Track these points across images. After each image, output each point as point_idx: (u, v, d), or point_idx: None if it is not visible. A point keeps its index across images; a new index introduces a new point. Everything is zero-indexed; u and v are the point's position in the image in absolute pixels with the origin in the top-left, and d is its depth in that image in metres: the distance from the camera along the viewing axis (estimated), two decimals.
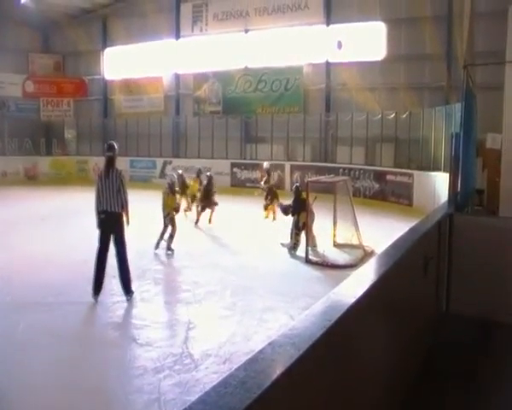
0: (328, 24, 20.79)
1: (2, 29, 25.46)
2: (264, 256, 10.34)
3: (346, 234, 10.73)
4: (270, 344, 1.74)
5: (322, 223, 10.75)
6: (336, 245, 10.94)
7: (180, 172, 15.03)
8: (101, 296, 7.61)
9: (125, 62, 26.39)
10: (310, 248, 10.03)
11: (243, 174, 21.15)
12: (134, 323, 6.66)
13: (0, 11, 24.60)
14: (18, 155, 25.13)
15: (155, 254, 10.38)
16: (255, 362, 1.63)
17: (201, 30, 23.61)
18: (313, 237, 10.50)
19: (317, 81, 21.28)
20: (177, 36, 24.29)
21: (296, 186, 11.19)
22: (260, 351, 1.68)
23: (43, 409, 4.64)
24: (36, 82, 27.35)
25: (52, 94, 27.56)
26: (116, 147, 7.79)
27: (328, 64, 20.99)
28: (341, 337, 2.07)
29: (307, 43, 21.32)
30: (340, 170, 17.83)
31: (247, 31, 22.55)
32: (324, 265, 9.58)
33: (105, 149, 7.94)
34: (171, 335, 6.23)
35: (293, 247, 10.44)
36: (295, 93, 21.62)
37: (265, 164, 16.27)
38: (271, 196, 13.89)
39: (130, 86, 26.32)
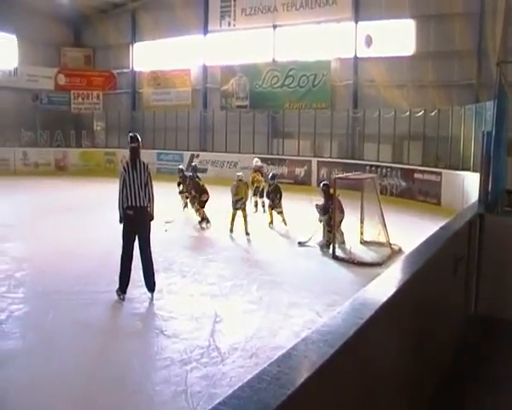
0: (356, 21, 20.63)
1: (36, 24, 26.10)
2: (291, 252, 10.37)
3: (372, 232, 10.66)
4: (303, 340, 1.75)
5: (348, 220, 10.71)
6: (363, 243, 10.89)
7: (181, 166, 14.98)
8: (129, 287, 7.72)
9: (154, 56, 26.64)
10: (337, 245, 10.01)
11: (270, 169, 21.12)
12: (161, 314, 6.74)
13: (34, 6, 25.18)
14: (49, 147, 25.65)
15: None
16: (288, 358, 1.63)
17: (229, 25, 23.68)
18: (342, 234, 10.48)
19: (345, 77, 21.17)
20: (205, 30, 24.42)
21: (325, 184, 11.08)
22: (293, 347, 1.67)
23: (70, 398, 4.72)
24: (67, 75, 27.81)
25: (82, 87, 27.99)
26: (139, 138, 7.52)
27: (355, 60, 20.87)
28: (372, 336, 2.08)
29: (335, 39, 21.22)
30: (367, 167, 17.73)
31: (275, 26, 22.55)
32: (351, 262, 9.55)
33: (128, 141, 7.54)
34: (197, 327, 6.27)
35: (326, 244, 10.35)
36: (322, 89, 21.55)
37: (255, 160, 15.91)
38: (279, 195, 12.74)
39: (158, 80, 26.56)
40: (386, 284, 2.60)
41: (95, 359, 5.52)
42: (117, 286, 7.39)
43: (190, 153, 23.68)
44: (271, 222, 12.84)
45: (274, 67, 22.73)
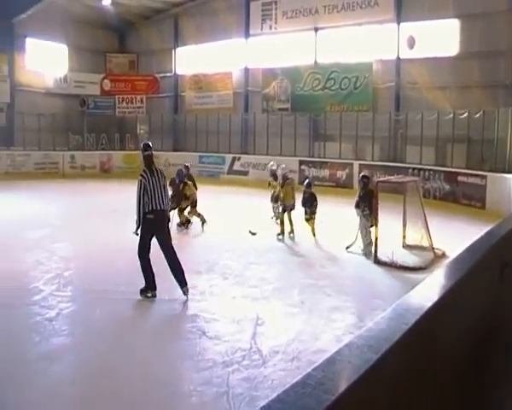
0: (398, 22, 20.38)
1: (84, 33, 27.53)
2: (333, 255, 10.33)
3: (415, 236, 10.51)
4: (346, 345, 1.74)
5: (391, 224, 10.58)
6: (405, 246, 10.75)
7: (188, 164, 14.34)
8: (171, 288, 7.88)
9: (196, 60, 26.99)
10: (364, 249, 9.94)
11: (311, 172, 21.12)
12: (203, 316, 6.81)
13: (82, 17, 26.36)
14: (95, 150, 26.40)
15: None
16: (332, 363, 1.63)
17: (271, 28, 23.76)
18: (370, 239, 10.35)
19: (387, 79, 20.95)
20: (247, 34, 24.56)
21: (365, 176, 10.79)
22: (337, 352, 1.63)
23: (113, 396, 4.84)
24: (112, 80, 28.53)
25: (127, 91, 28.62)
26: (151, 146, 7.83)
27: (398, 61, 20.63)
28: (417, 342, 2.07)
29: (377, 40, 21.03)
30: (410, 170, 17.48)
31: (316, 29, 22.50)
32: (393, 266, 9.44)
33: (141, 149, 7.88)
34: (239, 330, 6.33)
35: (366, 247, 10.22)
36: (364, 91, 21.37)
37: (271, 164, 15.03)
38: (315, 203, 11.82)
39: (200, 83, 26.88)
40: (430, 290, 2.57)
41: (138, 358, 5.64)
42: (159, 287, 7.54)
43: (232, 156, 23.84)
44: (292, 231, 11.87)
45: (315, 70, 22.67)
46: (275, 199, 13.24)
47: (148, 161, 7.67)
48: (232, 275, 8.81)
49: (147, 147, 7.79)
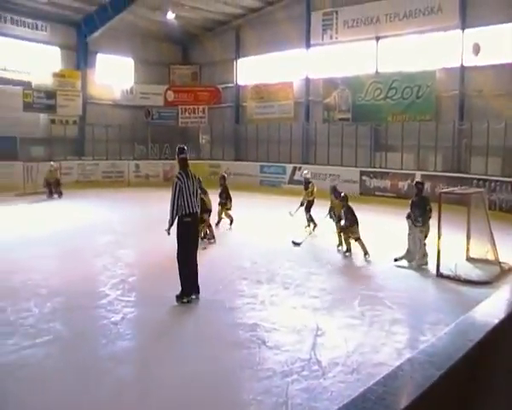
0: (463, 28, 19.82)
1: (149, 46, 28.73)
2: (393, 267, 10.17)
3: (480, 248, 10.21)
4: (409, 360, 1.72)
5: (454, 236, 10.34)
6: (469, 260, 10.45)
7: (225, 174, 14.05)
8: (233, 297, 8.03)
9: (257, 70, 27.32)
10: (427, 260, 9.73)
11: (372, 182, 20.88)
12: (263, 325, 6.87)
13: (148, 31, 27.53)
14: (158, 159, 27.19)
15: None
16: (394, 378, 1.59)
17: (331, 38, 23.68)
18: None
19: (450, 87, 20.40)
20: (308, 44, 24.60)
21: (420, 182, 10.70)
22: (399, 367, 1.65)
23: (169, 402, 4.98)
24: (175, 91, 29.29)
25: (189, 102, 29.29)
26: (186, 149, 7.92)
27: (462, 69, 20.05)
28: (482, 359, 2.04)
29: (440, 48, 20.52)
30: (474, 181, 16.96)
31: (377, 38, 22.25)
32: (457, 279, 9.20)
33: (177, 153, 7.92)
34: (299, 340, 6.36)
35: (422, 260, 10.04)
36: (427, 100, 20.87)
37: (305, 172, 14.78)
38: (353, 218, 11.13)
39: (261, 93, 27.14)
40: (496, 306, 2.52)
41: (198, 365, 5.72)
42: (222, 295, 7.71)
43: (292, 166, 23.91)
44: (340, 244, 11.50)
45: (377, 79, 22.42)
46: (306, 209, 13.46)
47: (184, 163, 7.79)
48: (293, 285, 8.84)
49: (182, 150, 7.88)
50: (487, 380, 2.21)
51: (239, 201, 19.68)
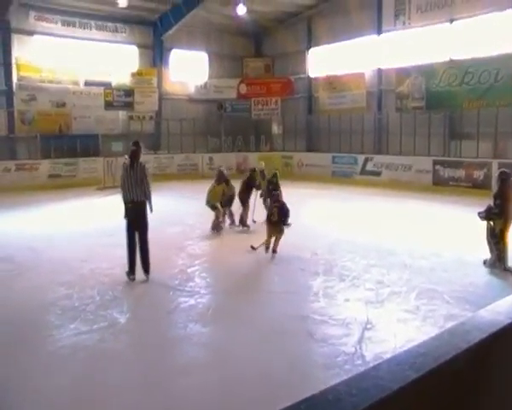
0: None
1: (223, 40, 29.41)
2: (458, 260, 9.80)
3: None
4: (386, 361, 1.64)
5: None
6: None
7: (224, 170, 14.02)
8: (285, 288, 8.11)
9: (328, 60, 27.03)
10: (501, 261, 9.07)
11: (446, 172, 20.15)
12: (313, 317, 6.89)
13: (221, 25, 28.08)
14: (231, 152, 27.66)
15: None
16: (360, 380, 1.47)
17: (404, 23, 22.95)
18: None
19: None
20: (379, 31, 24.01)
21: (505, 172, 9.25)
22: (374, 367, 1.57)
23: (216, 387, 5.12)
24: (248, 84, 29.58)
25: (262, 94, 29.48)
26: (140, 144, 8.90)
27: None
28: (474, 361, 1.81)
29: None
30: None
31: (451, 20, 21.28)
32: None
33: (130, 145, 9.08)
34: (346, 333, 6.31)
35: (496, 260, 9.10)
36: (506, 84, 19.70)
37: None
38: None
39: (333, 83, 26.85)
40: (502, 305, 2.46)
41: (245, 354, 5.82)
42: (276, 286, 7.81)
43: (364, 156, 23.54)
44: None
45: (451, 65, 21.43)
46: None
47: (132, 155, 8.69)
48: (350, 277, 8.78)
49: (134, 143, 8.96)
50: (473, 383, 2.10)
51: (309, 192, 19.73)
